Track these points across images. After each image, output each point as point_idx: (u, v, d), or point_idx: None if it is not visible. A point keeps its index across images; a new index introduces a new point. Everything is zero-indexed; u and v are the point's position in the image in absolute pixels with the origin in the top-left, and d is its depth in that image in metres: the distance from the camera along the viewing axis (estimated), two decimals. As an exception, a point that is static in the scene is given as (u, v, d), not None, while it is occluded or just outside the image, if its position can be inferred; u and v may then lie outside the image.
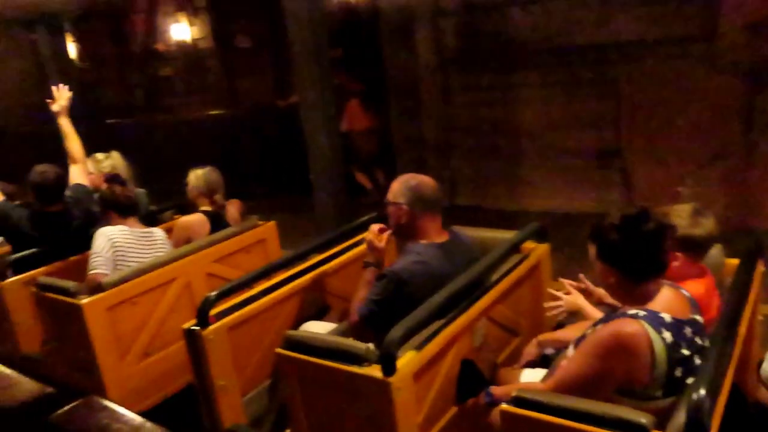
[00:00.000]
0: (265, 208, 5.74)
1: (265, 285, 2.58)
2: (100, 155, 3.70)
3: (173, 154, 8.18)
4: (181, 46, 9.75)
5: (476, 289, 2.20)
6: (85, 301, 2.67)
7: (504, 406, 1.58)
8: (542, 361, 2.13)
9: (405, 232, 2.26)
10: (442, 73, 6.34)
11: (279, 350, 1.99)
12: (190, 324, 2.27)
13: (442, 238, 2.26)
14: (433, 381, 1.96)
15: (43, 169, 3.23)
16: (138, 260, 2.94)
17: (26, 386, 1.10)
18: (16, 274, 3.13)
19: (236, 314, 2.36)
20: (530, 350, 2.18)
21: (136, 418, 1.02)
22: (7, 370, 1.11)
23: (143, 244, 3.00)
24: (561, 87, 5.57)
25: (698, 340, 1.62)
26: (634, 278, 1.65)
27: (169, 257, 2.99)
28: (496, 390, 1.87)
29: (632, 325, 1.55)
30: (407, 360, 1.82)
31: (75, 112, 8.60)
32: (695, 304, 1.71)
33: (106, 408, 1.02)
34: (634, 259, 1.63)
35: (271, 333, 2.51)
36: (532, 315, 2.60)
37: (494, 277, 2.33)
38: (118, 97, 10.82)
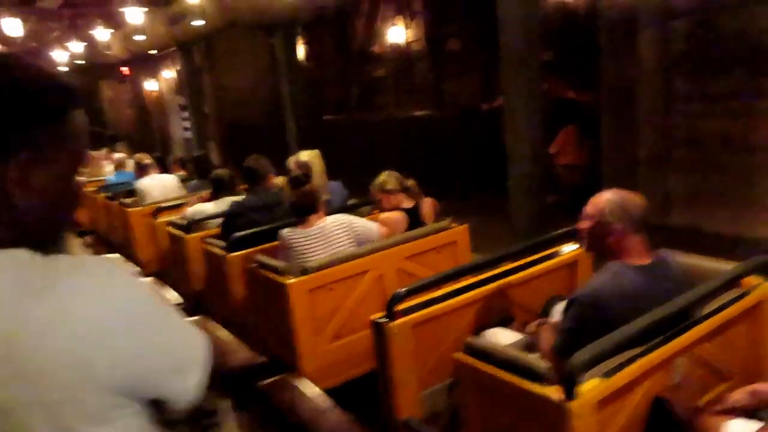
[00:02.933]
0: (460, 209, 5.80)
1: (453, 287, 2.62)
2: (303, 154, 4.05)
3: (379, 151, 8.68)
4: (395, 48, 10.25)
5: (681, 321, 1.99)
6: (291, 281, 2.96)
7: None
8: (756, 415, 1.86)
9: (605, 251, 2.12)
10: (664, 79, 5.81)
11: (458, 355, 2.01)
12: (378, 316, 2.39)
13: (645, 260, 2.08)
14: (618, 414, 1.82)
15: (254, 157, 3.86)
16: (317, 255, 3.17)
17: (244, 354, 1.24)
18: (237, 251, 3.57)
19: (422, 312, 2.43)
20: (738, 397, 1.91)
21: (325, 401, 1.10)
22: (232, 338, 1.26)
23: (317, 240, 3.20)
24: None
25: None
26: None
27: (365, 250, 3.18)
28: (693, 437, 1.69)
29: None
30: (591, 386, 1.72)
31: (300, 108, 9.50)
32: None
33: (298, 387, 1.12)
34: None
35: (453, 335, 2.53)
36: (748, 360, 2.28)
37: (704, 311, 2.09)
38: (337, 96, 11.75)
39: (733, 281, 2.15)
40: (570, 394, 1.68)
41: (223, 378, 1.16)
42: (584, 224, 2.16)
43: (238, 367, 1.21)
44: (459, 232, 3.48)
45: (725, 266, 2.23)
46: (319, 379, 3.08)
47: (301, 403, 1.08)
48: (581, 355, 1.70)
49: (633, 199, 2.12)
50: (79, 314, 0.84)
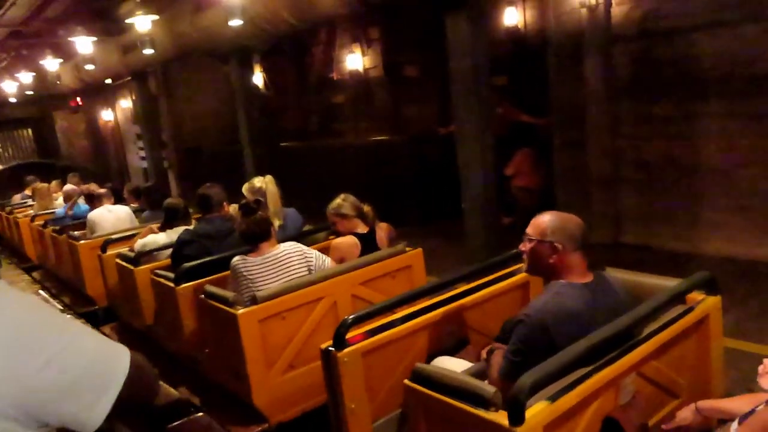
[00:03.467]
0: (419, 233, 5.81)
1: (404, 312, 2.58)
2: (256, 180, 3.98)
3: (337, 177, 8.67)
4: (354, 75, 10.31)
5: (626, 340, 1.99)
6: (240, 311, 2.88)
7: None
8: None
9: (547, 271, 2.12)
10: (611, 103, 5.98)
11: (407, 382, 1.97)
12: (327, 344, 2.33)
13: (587, 278, 2.09)
14: (568, 438, 1.80)
15: (208, 185, 3.86)
16: (269, 283, 3.10)
17: (164, 391, 1.18)
18: (187, 282, 3.47)
19: (372, 339, 2.38)
20: (685, 415, 1.92)
21: None
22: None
23: (269, 268, 3.14)
24: (751, 119, 4.97)
25: None
26: None
27: (317, 277, 3.12)
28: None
29: None
30: (538, 410, 1.69)
31: (257, 136, 9.40)
32: None
33: (210, 428, 1.08)
34: None
35: (405, 361, 2.48)
36: (696, 376, 2.29)
37: (649, 329, 2.10)
38: (296, 123, 11.74)
39: (677, 297, 2.17)
40: (516, 419, 1.65)
41: (144, 415, 1.10)
42: (526, 246, 2.16)
43: (160, 405, 1.15)
44: (413, 256, 3.46)
45: (669, 283, 2.25)
46: (273, 412, 2.99)
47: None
48: (526, 379, 1.67)
49: (572, 219, 2.14)
50: None
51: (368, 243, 3.39)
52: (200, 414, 1.09)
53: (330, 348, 2.31)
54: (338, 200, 3.52)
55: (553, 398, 1.74)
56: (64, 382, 0.92)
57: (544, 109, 6.96)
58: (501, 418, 1.67)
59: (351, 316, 2.34)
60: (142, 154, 14.06)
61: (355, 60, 10.21)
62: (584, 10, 5.88)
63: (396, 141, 8.92)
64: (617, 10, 5.75)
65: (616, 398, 1.96)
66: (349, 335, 2.34)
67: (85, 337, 1.00)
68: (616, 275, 2.32)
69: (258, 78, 11.33)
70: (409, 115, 9.81)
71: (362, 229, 3.45)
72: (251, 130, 9.26)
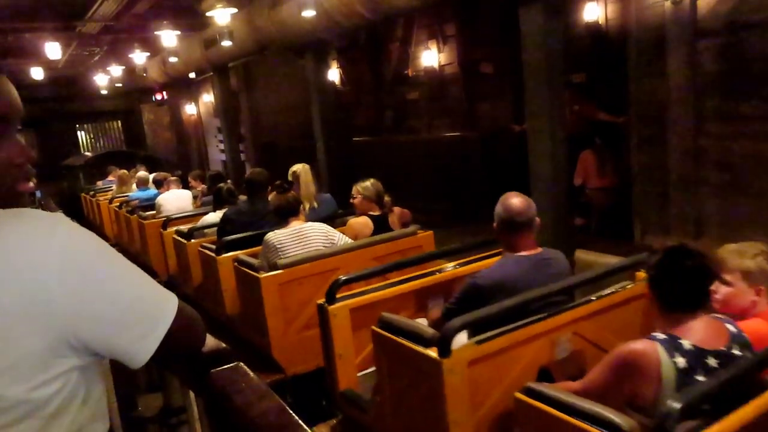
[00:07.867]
0: (488, 230, 6.18)
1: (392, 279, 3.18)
2: (295, 166, 4.71)
3: (408, 171, 9.25)
4: (429, 72, 10.87)
5: (564, 303, 2.47)
6: (263, 275, 3.57)
7: (517, 394, 1.91)
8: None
9: (502, 245, 2.67)
10: (694, 100, 5.98)
11: (374, 328, 2.55)
12: (321, 300, 2.96)
13: (533, 251, 2.60)
14: (496, 377, 2.30)
15: (256, 170, 4.65)
16: (294, 252, 3.76)
17: (208, 342, 1.39)
18: (226, 253, 4.22)
19: (359, 299, 2.98)
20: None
21: (264, 388, 1.27)
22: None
23: (295, 239, 3.82)
24: None
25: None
26: (667, 307, 1.87)
27: (333, 251, 3.77)
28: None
29: (644, 344, 1.78)
30: (464, 348, 2.22)
31: (331, 130, 10.01)
32: (740, 340, 1.82)
33: (246, 375, 1.35)
34: (670, 291, 1.87)
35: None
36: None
37: (592, 297, 2.56)
38: (370, 118, 12.47)
39: (617, 271, 2.62)
40: (444, 352, 2.18)
41: (189, 364, 1.40)
42: None
43: (204, 353, 1.48)
44: (424, 237, 4.02)
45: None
46: (290, 364, 3.66)
47: (242, 389, 1.30)
48: (455, 321, 2.21)
49: (511, 202, 2.65)
50: (17, 253, 0.92)
51: (380, 224, 4.06)
52: (239, 363, 1.42)
53: (324, 303, 2.93)
54: (366, 182, 4.16)
55: (479, 341, 2.26)
56: (116, 312, 1.01)
57: (622, 108, 7.13)
58: (433, 352, 2.21)
59: (343, 277, 2.96)
60: (222, 147, 15.35)
61: (430, 56, 10.74)
62: (668, 4, 5.89)
63: (468, 137, 9.31)
64: (703, 3, 5.69)
65: (553, 353, 2.45)
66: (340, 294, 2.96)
67: (137, 274, 1.09)
68: (581, 256, 2.80)
69: (334, 74, 12.12)
70: (484, 112, 10.19)
71: (376, 211, 4.09)
72: (325, 125, 9.92)
